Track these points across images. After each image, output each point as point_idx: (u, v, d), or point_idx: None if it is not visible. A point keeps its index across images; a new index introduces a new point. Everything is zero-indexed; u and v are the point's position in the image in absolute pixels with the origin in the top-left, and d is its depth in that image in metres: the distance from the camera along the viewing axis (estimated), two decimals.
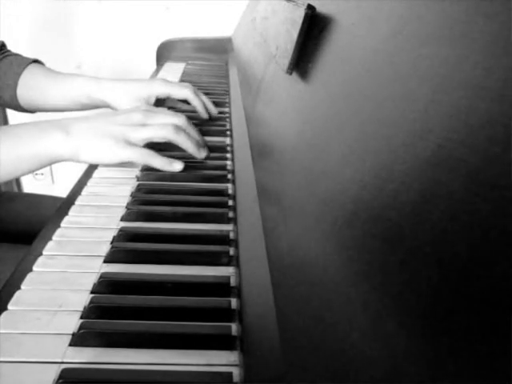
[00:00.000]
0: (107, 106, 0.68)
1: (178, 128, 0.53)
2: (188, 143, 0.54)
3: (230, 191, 0.51)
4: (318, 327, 0.21)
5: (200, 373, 0.29)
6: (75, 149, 0.49)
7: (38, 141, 0.48)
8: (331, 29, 0.35)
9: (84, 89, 0.67)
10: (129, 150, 0.49)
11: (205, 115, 0.70)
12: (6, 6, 1.38)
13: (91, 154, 0.49)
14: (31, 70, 0.69)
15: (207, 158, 0.58)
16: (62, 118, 0.51)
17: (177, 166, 0.53)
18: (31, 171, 0.50)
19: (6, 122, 1.46)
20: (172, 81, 0.69)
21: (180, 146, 0.54)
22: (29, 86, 0.68)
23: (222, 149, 0.62)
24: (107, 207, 0.47)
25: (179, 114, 0.56)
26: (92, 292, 0.35)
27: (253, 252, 0.35)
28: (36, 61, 0.72)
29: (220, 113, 0.75)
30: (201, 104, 0.69)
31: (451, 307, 0.14)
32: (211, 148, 0.59)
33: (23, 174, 0.50)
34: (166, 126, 0.52)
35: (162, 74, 1.02)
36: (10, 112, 1.46)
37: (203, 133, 0.66)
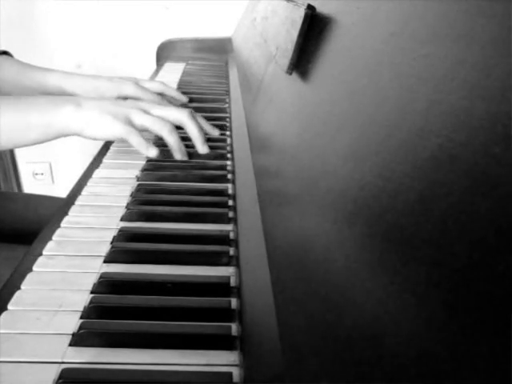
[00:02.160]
0: None
1: (172, 128, 0.55)
2: (176, 146, 0.56)
3: (230, 191, 0.51)
4: (317, 327, 0.21)
5: (200, 373, 0.29)
6: (83, 123, 0.51)
7: (50, 111, 0.51)
8: (331, 29, 0.35)
9: (56, 83, 0.69)
10: (122, 126, 0.52)
11: (181, 101, 0.75)
12: (3, 4, 1.38)
13: (96, 129, 0.52)
14: (4, 61, 0.71)
15: (208, 157, 0.58)
16: (72, 96, 0.55)
17: (151, 151, 0.54)
18: (37, 142, 0.52)
19: None
20: (144, 80, 0.74)
21: (168, 144, 0.56)
22: (3, 77, 0.69)
23: (222, 148, 0.61)
24: (107, 207, 0.47)
25: (183, 110, 0.57)
26: (92, 292, 0.35)
27: (253, 252, 0.35)
28: (5, 52, 0.73)
29: (220, 113, 0.75)
30: (172, 101, 0.73)
31: (451, 307, 0.14)
32: (211, 147, 0.60)
33: (29, 144, 0.52)
34: (164, 123, 0.54)
35: (161, 73, 1.02)
36: None
37: (203, 132, 0.66)
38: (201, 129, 0.58)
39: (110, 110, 0.52)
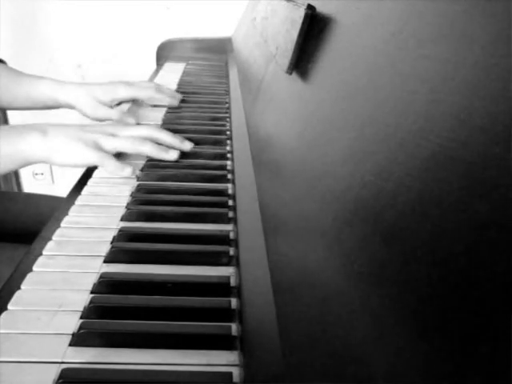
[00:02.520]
0: (72, 108, 0.71)
1: (143, 140, 0.55)
2: (154, 152, 0.55)
3: (230, 191, 0.51)
4: (317, 327, 0.21)
5: (200, 373, 0.29)
6: (50, 150, 0.51)
7: (15, 141, 0.50)
8: (331, 29, 0.35)
9: (49, 92, 0.70)
10: (93, 154, 0.51)
11: (174, 102, 0.76)
12: (3, 4, 1.38)
13: (64, 156, 0.51)
14: None
15: (209, 157, 0.58)
16: (39, 123, 0.54)
17: (127, 170, 0.53)
18: (4, 172, 0.51)
19: (6, 121, 1.46)
20: (135, 82, 0.75)
21: (148, 155, 0.56)
22: None
23: (221, 148, 0.62)
24: (107, 207, 0.47)
25: (149, 126, 0.58)
26: (92, 292, 0.35)
27: (253, 252, 0.35)
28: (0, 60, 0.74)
29: (220, 113, 0.75)
30: (166, 97, 0.75)
31: (451, 307, 0.14)
32: (212, 147, 0.60)
33: None
34: (133, 139, 0.54)
35: (161, 73, 1.02)
36: (10, 113, 1.47)
37: (203, 132, 0.66)
38: (173, 134, 0.58)
39: (78, 137, 0.52)
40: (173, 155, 0.56)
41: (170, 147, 0.57)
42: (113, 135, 0.54)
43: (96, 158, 0.51)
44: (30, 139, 0.50)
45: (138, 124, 0.64)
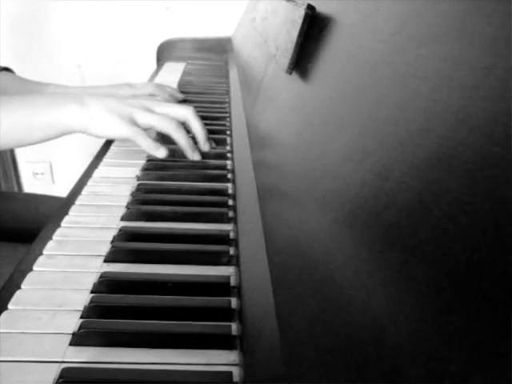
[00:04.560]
0: None
1: (179, 125, 0.55)
2: (183, 142, 0.55)
3: (230, 191, 0.51)
4: (318, 327, 0.22)
5: (200, 372, 0.29)
6: (87, 121, 0.51)
7: (53, 110, 0.51)
8: (331, 29, 0.35)
9: None
10: (128, 128, 0.52)
11: (173, 100, 0.76)
12: (2, 5, 1.38)
13: (100, 127, 0.52)
14: (3, 77, 0.72)
15: (209, 156, 0.58)
16: (78, 93, 0.55)
17: (162, 151, 0.53)
18: (41, 141, 0.52)
19: None
20: (138, 83, 0.76)
21: (176, 142, 0.55)
22: (2, 93, 0.71)
23: (221, 148, 0.62)
24: (107, 207, 0.47)
25: (187, 107, 0.57)
26: (92, 291, 0.35)
27: (253, 252, 0.35)
28: (6, 69, 0.75)
29: (220, 112, 0.75)
30: (165, 95, 0.75)
31: (451, 307, 0.14)
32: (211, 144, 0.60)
33: (33, 143, 0.52)
34: (170, 120, 0.54)
35: (161, 73, 1.02)
36: None
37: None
38: (204, 126, 0.58)
39: (114, 109, 0.52)
40: (196, 157, 0.57)
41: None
42: (150, 110, 0.54)
43: (130, 133, 0.52)
44: (68, 108, 0.51)
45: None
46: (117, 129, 0.52)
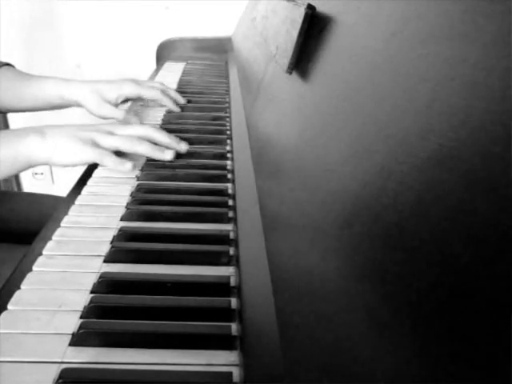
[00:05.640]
0: (79, 105, 0.71)
1: (140, 139, 0.55)
2: (149, 151, 0.55)
3: (229, 191, 0.51)
4: (317, 327, 0.21)
5: (200, 373, 0.29)
6: (50, 151, 0.51)
7: (15, 144, 0.50)
8: (331, 29, 0.35)
9: (55, 91, 0.70)
10: (93, 150, 0.52)
11: (176, 109, 0.76)
12: (3, 5, 1.38)
13: (65, 155, 0.51)
14: (4, 72, 0.72)
15: (209, 156, 0.58)
16: (36, 126, 0.54)
17: (127, 165, 0.53)
18: (8, 175, 0.52)
19: (6, 125, 1.46)
20: (143, 81, 0.75)
21: (144, 154, 0.56)
22: (2, 88, 0.71)
23: (221, 148, 0.61)
24: (107, 207, 0.47)
25: (146, 126, 0.58)
26: (92, 292, 0.35)
27: (253, 252, 0.35)
28: (8, 64, 0.75)
29: (220, 112, 0.75)
30: (170, 101, 0.75)
31: (451, 307, 0.14)
32: (211, 146, 0.60)
33: (1, 178, 0.52)
34: (131, 138, 0.54)
35: (161, 73, 1.02)
36: (10, 116, 1.47)
37: (203, 132, 0.67)
38: (169, 135, 0.58)
39: (76, 135, 0.52)
40: (168, 155, 0.57)
41: (166, 147, 0.57)
42: (110, 133, 0.54)
43: (95, 155, 0.51)
44: (28, 141, 0.51)
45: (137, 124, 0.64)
46: (82, 153, 0.51)
